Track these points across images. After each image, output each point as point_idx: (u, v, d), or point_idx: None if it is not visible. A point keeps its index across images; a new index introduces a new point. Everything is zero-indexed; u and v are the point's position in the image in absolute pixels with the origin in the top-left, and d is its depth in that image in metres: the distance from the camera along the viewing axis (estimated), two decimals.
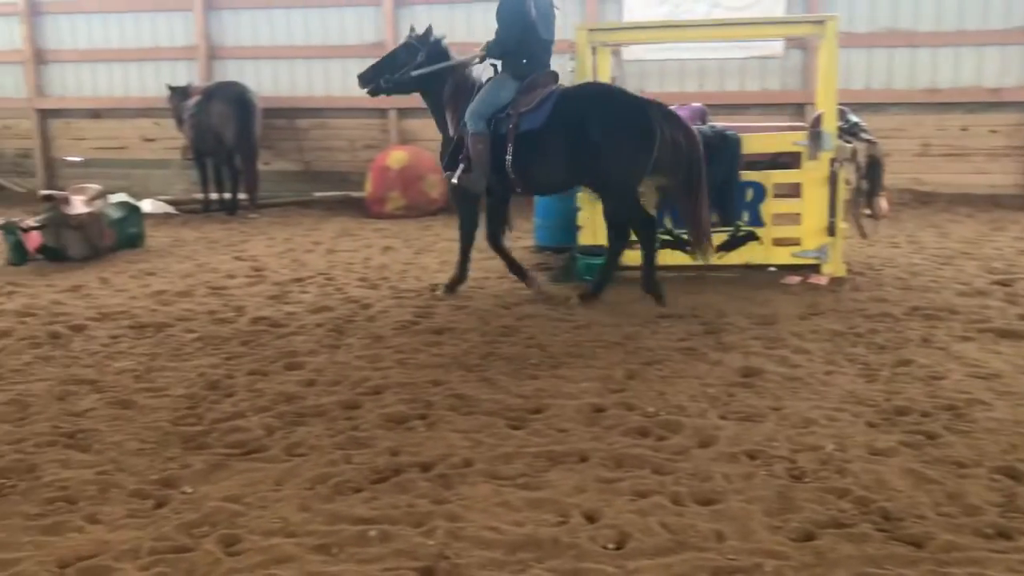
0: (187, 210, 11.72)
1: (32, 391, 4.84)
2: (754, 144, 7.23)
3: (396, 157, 11.24)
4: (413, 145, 11.77)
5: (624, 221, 6.49)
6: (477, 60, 6.76)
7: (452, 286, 6.91)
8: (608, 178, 6.34)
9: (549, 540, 3.16)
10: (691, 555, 3.05)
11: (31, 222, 8.17)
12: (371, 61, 7.19)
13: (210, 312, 6.50)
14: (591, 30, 7.52)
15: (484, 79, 6.73)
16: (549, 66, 6.69)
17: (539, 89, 6.47)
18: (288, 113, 12.38)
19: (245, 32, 12.41)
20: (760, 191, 7.23)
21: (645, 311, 6.30)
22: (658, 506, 3.40)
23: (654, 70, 11.55)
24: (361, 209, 11.43)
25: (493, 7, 6.59)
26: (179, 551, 3.15)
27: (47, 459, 3.95)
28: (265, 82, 12.30)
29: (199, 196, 11.79)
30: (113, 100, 12.95)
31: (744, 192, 7.19)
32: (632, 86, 11.16)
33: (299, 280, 7.55)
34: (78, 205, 8.40)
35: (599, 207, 7.17)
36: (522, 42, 6.43)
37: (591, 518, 3.34)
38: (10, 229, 8.13)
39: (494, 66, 6.72)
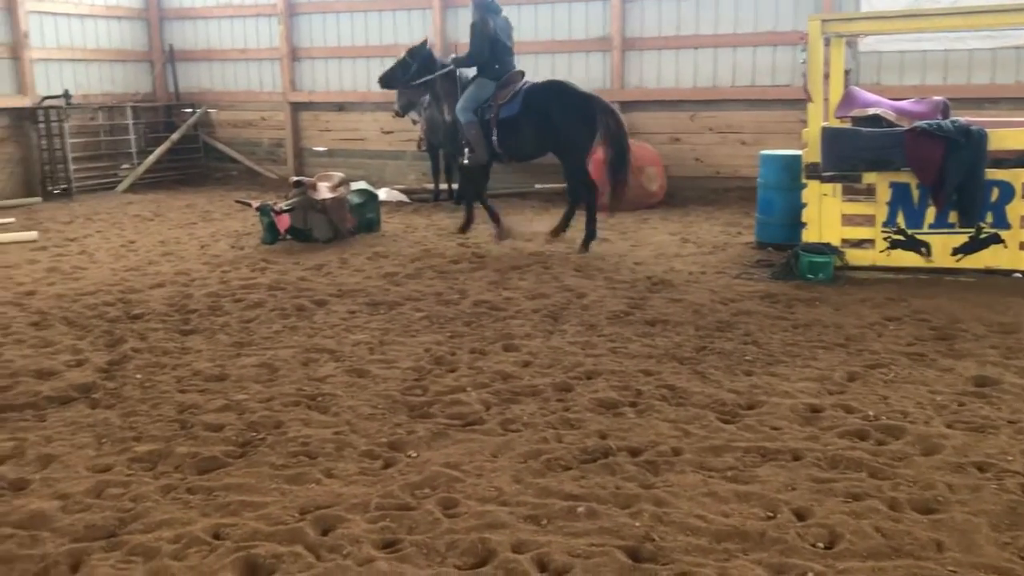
0: (418, 198, 12.38)
1: (280, 356, 5.35)
2: (1002, 140, 6.73)
3: None
4: (632, 138, 11.79)
5: (583, 177, 8.68)
6: (449, 67, 8.93)
7: (498, 228, 9.10)
8: (565, 149, 8.56)
9: (756, 533, 3.15)
10: (906, 562, 2.95)
11: (282, 205, 8.94)
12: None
13: (436, 294, 6.88)
14: (825, 20, 7.25)
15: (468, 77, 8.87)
16: (514, 67, 8.85)
17: (511, 85, 8.65)
18: None
19: None
20: (1008, 191, 6.72)
21: (870, 313, 6.05)
22: (873, 510, 3.30)
23: (893, 62, 10.93)
24: None
25: None
26: (403, 509, 3.41)
27: (292, 417, 4.37)
28: None
29: (429, 186, 12.42)
30: (356, 94, 13.88)
31: (989, 191, 6.72)
32: (868, 79, 10.66)
33: (517, 268, 7.81)
34: (324, 191, 9.10)
35: (826, 204, 7.02)
36: (492, 53, 8.63)
37: (801, 516, 3.29)
38: (265, 211, 8.94)
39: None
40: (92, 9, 13.91)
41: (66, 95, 12.82)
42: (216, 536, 3.22)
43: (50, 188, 12.93)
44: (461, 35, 12.93)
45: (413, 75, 9.10)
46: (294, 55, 14.13)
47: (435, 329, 5.93)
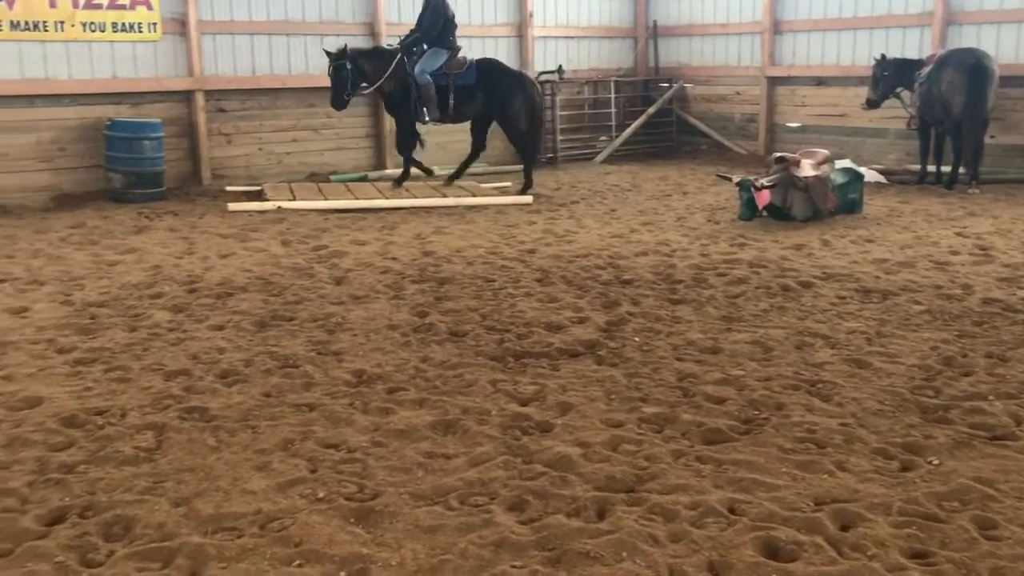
0: (898, 180, 11.50)
1: (771, 336, 5.25)
2: None
3: None
4: None
5: (521, 139, 10.98)
6: (399, 51, 10.47)
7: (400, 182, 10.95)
8: (506, 114, 10.77)
9: None
10: None
11: (763, 181, 8.78)
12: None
13: (935, 286, 6.30)
14: None
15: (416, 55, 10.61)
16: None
17: (460, 57, 10.61)
18: None
19: None
20: None
21: None
22: None
23: None
24: None
25: None
26: (929, 519, 3.13)
27: (792, 401, 4.25)
28: (1006, 48, 11.35)
29: (914, 167, 11.47)
30: (838, 68, 13.20)
31: None
32: None
33: None
34: (806, 168, 8.78)
35: None
36: (447, 29, 10.49)
37: None
38: (745, 187, 8.86)
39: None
40: None
41: (559, 70, 13.83)
42: (731, 510, 3.22)
43: (539, 157, 14.10)
44: (968, 3, 11.71)
45: (359, 78, 10.33)
46: (776, 28, 13.82)
47: (939, 326, 5.42)
